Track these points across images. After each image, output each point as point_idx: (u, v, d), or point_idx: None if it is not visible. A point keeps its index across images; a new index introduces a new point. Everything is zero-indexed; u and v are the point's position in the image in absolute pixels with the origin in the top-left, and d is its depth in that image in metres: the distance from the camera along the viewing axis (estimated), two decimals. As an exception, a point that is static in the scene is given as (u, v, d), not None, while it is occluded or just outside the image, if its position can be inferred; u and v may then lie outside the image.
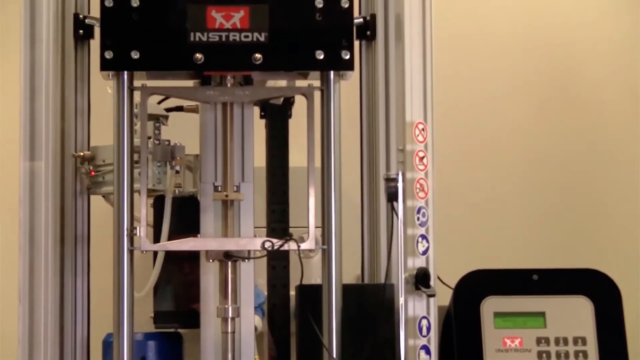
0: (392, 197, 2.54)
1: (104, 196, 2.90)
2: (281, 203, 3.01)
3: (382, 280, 2.75)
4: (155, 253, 2.85)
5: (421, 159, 2.54)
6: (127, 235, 2.42)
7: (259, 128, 2.87)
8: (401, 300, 2.49)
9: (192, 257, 2.77)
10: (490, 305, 2.67)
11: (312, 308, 2.54)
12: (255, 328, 2.74)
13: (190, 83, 2.69)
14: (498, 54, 4.10)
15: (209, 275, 2.67)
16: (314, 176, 2.47)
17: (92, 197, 2.87)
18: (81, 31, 2.81)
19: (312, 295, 2.56)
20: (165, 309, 3.04)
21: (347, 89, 2.61)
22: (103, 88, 2.68)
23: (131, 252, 2.43)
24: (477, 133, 4.08)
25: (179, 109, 3.08)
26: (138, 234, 2.42)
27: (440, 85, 2.61)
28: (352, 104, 2.86)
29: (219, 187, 2.60)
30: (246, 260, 2.58)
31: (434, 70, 2.59)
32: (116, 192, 2.45)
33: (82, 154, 2.81)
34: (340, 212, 2.48)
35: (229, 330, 2.53)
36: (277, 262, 2.98)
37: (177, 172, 2.77)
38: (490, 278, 2.70)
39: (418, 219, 2.52)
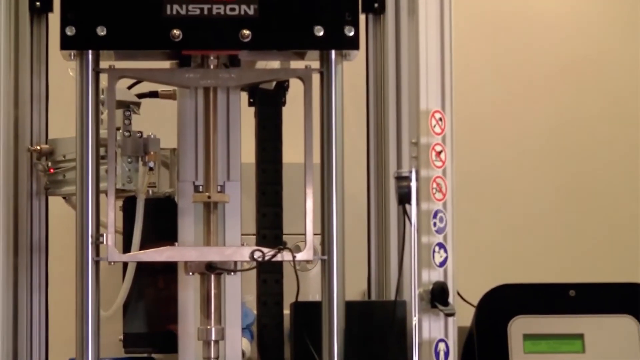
0: (404, 198, 2.44)
1: (64, 197, 2.82)
2: (273, 205, 2.89)
3: (392, 297, 2.67)
4: (125, 265, 2.77)
5: (438, 153, 2.46)
6: (92, 244, 2.31)
7: (247, 117, 2.79)
8: (415, 320, 2.42)
9: (169, 270, 2.68)
10: (520, 326, 2.62)
11: (310, 329, 2.50)
12: (243, 353, 2.67)
13: (166, 65, 2.56)
14: (532, 30, 4.08)
15: (188, 291, 2.57)
16: (311, 174, 2.36)
17: (50, 198, 2.78)
18: (38, 3, 2.73)
19: (309, 314, 2.51)
20: (137, 330, 2.92)
21: (351, 72, 2.49)
22: (64, 70, 2.56)
23: (97, 263, 2.31)
24: (504, 122, 4.03)
25: (153, 95, 2.99)
26: (105, 242, 2.32)
27: (460, 67, 2.54)
28: (357, 89, 2.82)
29: (200, 187, 2.51)
30: (232, 273, 2.48)
31: (453, 50, 2.51)
32: (79, 193, 2.34)
33: (38, 147, 2.73)
34: (343, 217, 2.37)
35: (212, 355, 2.43)
36: (269, 275, 2.87)
37: (151, 169, 2.66)
38: (519, 294, 2.66)
39: (434, 224, 2.45)
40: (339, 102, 2.37)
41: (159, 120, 2.77)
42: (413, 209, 2.43)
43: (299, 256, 2.34)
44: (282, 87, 2.90)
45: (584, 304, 2.63)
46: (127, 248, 2.68)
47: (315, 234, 2.35)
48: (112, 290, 2.74)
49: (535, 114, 4.06)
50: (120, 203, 2.84)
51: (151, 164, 2.64)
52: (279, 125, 2.90)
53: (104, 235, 2.30)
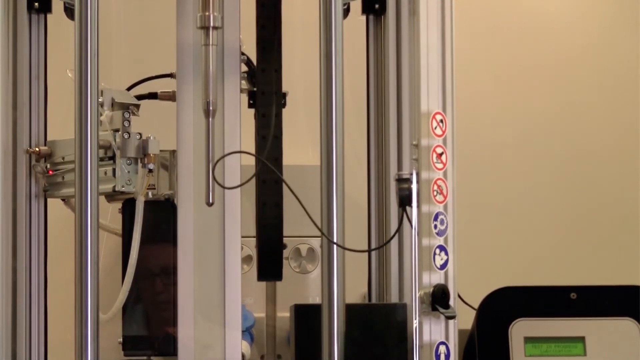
0: (404, 201, 2.47)
1: (63, 199, 2.85)
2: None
3: (393, 300, 2.72)
4: (125, 267, 2.71)
5: (439, 155, 2.47)
6: None
7: (247, 118, 2.72)
8: (415, 323, 2.44)
9: (167, 272, 2.71)
10: (521, 329, 2.64)
11: (310, 332, 2.48)
12: (243, 356, 2.67)
13: None
14: (532, 32, 4.08)
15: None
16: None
17: (49, 200, 2.81)
18: (36, 4, 2.76)
19: (310, 316, 2.51)
20: (136, 333, 2.92)
21: (351, 73, 2.55)
22: (62, 72, 2.61)
23: None
24: (505, 125, 4.04)
25: (153, 96, 3.00)
26: None
27: (461, 69, 2.55)
28: (357, 90, 2.85)
29: None
30: None
31: (454, 51, 2.51)
32: (78, 195, 2.34)
33: (37, 149, 2.76)
34: (343, 219, 2.37)
35: (210, 42, 2.44)
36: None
37: (150, 171, 2.70)
38: (520, 297, 2.67)
39: (435, 226, 2.45)
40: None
41: (158, 122, 2.78)
42: (414, 211, 2.45)
43: None
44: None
45: (585, 306, 2.64)
46: (126, 250, 2.68)
47: (314, 237, 2.41)
48: (111, 294, 2.74)
49: (537, 116, 4.04)
50: (119, 205, 2.84)
51: (150, 166, 2.68)
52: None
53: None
